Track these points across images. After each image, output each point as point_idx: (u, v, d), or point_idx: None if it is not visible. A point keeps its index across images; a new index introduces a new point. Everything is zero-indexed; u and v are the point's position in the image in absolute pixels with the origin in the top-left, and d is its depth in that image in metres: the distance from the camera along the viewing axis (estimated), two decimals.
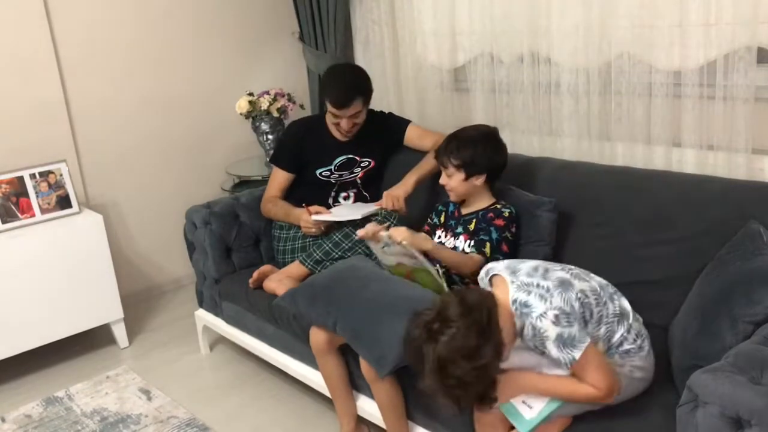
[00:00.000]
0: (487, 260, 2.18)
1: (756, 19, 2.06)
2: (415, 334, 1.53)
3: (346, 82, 2.58)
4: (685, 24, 2.22)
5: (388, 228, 2.21)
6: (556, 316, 1.55)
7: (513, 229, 2.25)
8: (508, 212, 2.25)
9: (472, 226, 2.28)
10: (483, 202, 2.31)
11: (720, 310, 1.62)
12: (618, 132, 2.50)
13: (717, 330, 1.59)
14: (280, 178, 2.78)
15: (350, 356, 2.17)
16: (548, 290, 1.58)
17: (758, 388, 1.29)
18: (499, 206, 2.28)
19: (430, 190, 2.70)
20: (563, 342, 1.54)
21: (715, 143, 2.26)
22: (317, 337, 2.17)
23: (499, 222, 2.23)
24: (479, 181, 2.25)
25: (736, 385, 1.30)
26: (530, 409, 1.64)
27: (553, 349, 1.55)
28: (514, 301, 1.59)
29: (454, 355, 1.46)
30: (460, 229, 2.31)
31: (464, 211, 2.34)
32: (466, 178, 2.24)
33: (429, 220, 2.46)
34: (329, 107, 2.60)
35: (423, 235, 2.24)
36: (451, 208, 2.40)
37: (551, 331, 1.54)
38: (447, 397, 1.52)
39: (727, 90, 2.17)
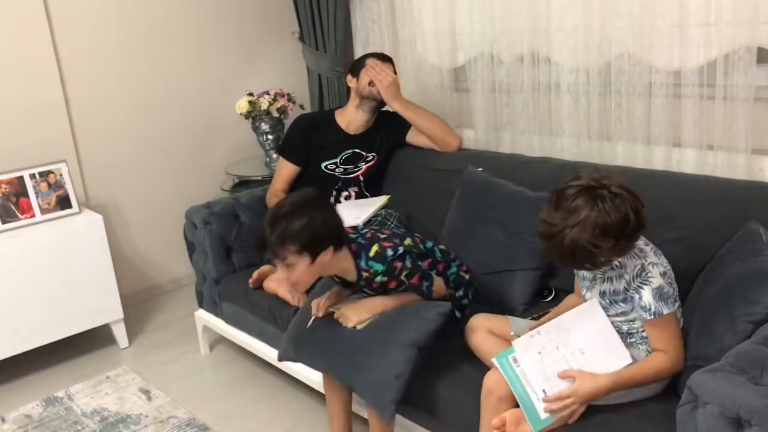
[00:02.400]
0: (422, 292, 2.01)
1: (756, 19, 2.06)
2: (580, 182, 1.62)
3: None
4: (685, 24, 2.21)
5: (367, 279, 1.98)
6: (665, 273, 1.68)
7: (398, 264, 1.92)
8: (381, 276, 1.90)
9: (372, 292, 2.01)
10: (349, 269, 1.92)
11: (719, 310, 1.62)
12: (618, 132, 2.50)
13: (716, 330, 1.59)
14: (286, 171, 2.82)
15: None
16: (659, 254, 1.71)
17: (758, 388, 1.29)
18: (367, 275, 1.90)
19: (436, 194, 2.70)
20: (660, 295, 1.64)
21: (715, 143, 2.25)
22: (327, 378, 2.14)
23: (393, 284, 1.95)
24: (327, 257, 1.83)
25: (736, 385, 1.29)
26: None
27: (647, 295, 1.64)
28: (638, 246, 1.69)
29: (601, 222, 1.56)
30: (368, 292, 2.03)
31: (350, 279, 1.97)
32: (312, 261, 1.81)
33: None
34: (373, 61, 2.80)
35: (368, 304, 1.98)
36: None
37: (656, 281, 1.65)
38: (557, 240, 1.59)
39: (727, 90, 2.17)
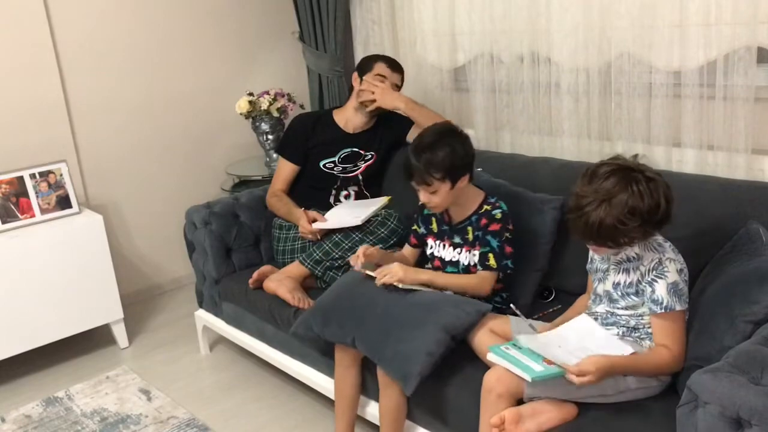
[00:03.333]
0: (497, 270, 2.09)
1: (756, 19, 2.06)
2: (617, 162, 1.67)
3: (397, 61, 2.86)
4: (685, 24, 2.22)
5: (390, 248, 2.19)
6: (681, 270, 1.70)
7: (510, 226, 2.12)
8: (500, 213, 2.10)
9: (470, 236, 2.14)
10: (471, 203, 2.14)
11: (719, 310, 1.62)
12: (618, 132, 2.50)
13: (716, 330, 1.59)
14: (285, 170, 2.82)
15: (368, 363, 2.14)
16: (677, 252, 1.73)
17: (758, 388, 1.29)
18: (488, 207, 2.12)
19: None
20: (675, 291, 1.67)
21: (715, 143, 2.26)
22: (343, 353, 2.14)
23: (495, 227, 2.08)
24: (464, 182, 2.06)
25: (736, 385, 1.29)
26: (540, 366, 1.61)
27: (662, 289, 1.66)
28: (652, 239, 1.72)
29: (632, 204, 1.60)
30: (457, 239, 2.17)
31: (456, 218, 2.17)
32: (452, 187, 2.04)
33: (415, 229, 2.29)
34: (380, 68, 2.76)
35: (416, 269, 2.12)
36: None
37: (671, 276, 1.67)
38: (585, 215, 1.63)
39: (727, 90, 2.17)
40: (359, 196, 2.83)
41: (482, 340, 1.91)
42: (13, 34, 3.03)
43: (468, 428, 1.81)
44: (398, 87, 2.81)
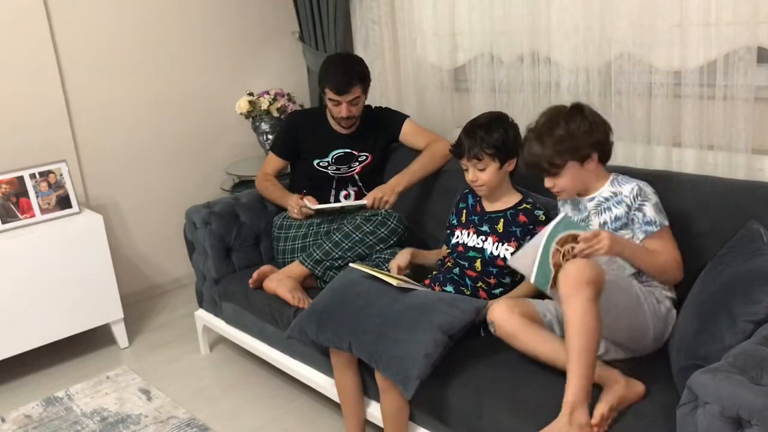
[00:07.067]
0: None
1: (756, 19, 2.06)
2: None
3: (346, 68, 2.64)
4: (685, 24, 2.22)
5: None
6: (655, 192, 1.89)
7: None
8: (543, 214, 2.13)
9: (500, 227, 2.15)
10: (509, 197, 2.19)
11: (720, 310, 1.62)
12: (618, 132, 2.49)
13: (717, 330, 1.59)
14: (274, 162, 2.89)
15: (366, 364, 2.12)
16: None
17: (758, 388, 1.29)
18: (527, 206, 2.16)
19: (437, 194, 2.70)
20: (660, 209, 1.86)
21: (715, 143, 2.26)
22: (338, 356, 2.14)
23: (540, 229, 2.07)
24: (511, 166, 2.15)
25: (736, 385, 1.30)
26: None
27: (650, 210, 1.84)
28: (616, 176, 1.94)
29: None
30: (485, 228, 2.18)
31: (489, 207, 2.21)
32: (501, 167, 2.12)
33: (450, 222, 2.32)
34: (329, 94, 2.63)
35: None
36: (470, 201, 2.27)
37: (653, 197, 1.87)
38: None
39: (727, 90, 2.17)
40: (359, 195, 2.82)
41: (518, 328, 1.83)
42: (13, 34, 3.03)
43: (469, 428, 1.81)
44: (358, 97, 2.64)
